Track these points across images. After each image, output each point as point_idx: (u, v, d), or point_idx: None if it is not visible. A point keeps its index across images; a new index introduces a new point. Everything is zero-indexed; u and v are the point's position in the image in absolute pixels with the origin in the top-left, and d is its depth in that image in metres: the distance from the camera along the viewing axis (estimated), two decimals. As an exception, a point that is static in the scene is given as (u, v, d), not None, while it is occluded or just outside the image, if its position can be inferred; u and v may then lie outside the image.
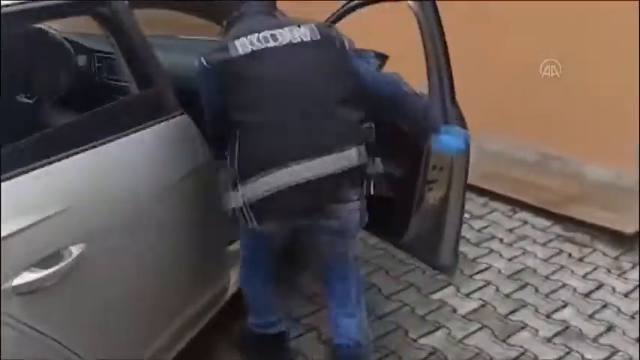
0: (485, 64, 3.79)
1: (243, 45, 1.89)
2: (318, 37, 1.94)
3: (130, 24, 2.03)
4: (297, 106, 1.88)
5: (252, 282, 2.28)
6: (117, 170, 1.83)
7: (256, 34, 1.90)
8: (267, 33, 1.91)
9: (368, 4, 2.45)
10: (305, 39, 1.93)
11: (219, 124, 2.01)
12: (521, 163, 3.96)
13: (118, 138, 1.86)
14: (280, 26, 1.95)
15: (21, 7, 1.71)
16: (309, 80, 1.92)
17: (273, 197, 1.85)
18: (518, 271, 3.13)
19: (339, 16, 2.54)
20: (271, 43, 1.90)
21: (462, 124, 2.27)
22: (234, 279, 2.39)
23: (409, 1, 2.13)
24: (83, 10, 1.94)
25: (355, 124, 1.95)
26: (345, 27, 2.22)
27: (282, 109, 1.89)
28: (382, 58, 2.63)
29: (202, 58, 1.92)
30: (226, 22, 2.09)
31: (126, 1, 2.02)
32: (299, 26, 1.95)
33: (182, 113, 2.12)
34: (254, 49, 1.88)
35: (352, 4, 2.50)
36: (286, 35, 1.92)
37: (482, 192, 3.84)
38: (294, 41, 1.91)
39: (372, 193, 2.01)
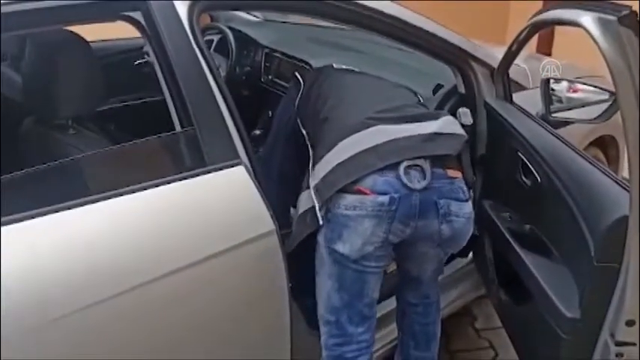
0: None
1: None
2: None
3: (174, 35, 1.45)
4: None
5: None
6: (108, 241, 1.28)
7: None
8: None
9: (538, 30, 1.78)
10: None
11: None
12: None
13: (122, 194, 1.31)
14: None
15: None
16: None
17: (368, 151, 1.46)
18: None
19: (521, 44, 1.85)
20: None
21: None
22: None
23: (583, 21, 1.20)
24: (100, 13, 1.41)
25: None
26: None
27: None
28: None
29: None
30: None
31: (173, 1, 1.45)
32: None
33: (236, 164, 1.49)
34: None
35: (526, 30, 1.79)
36: None
37: None
38: None
39: None
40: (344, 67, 1.90)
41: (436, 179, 1.46)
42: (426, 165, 1.45)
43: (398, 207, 1.43)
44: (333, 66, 1.90)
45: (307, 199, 1.54)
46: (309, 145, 1.67)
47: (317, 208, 1.49)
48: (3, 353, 1.11)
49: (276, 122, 1.94)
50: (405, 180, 1.43)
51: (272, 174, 1.79)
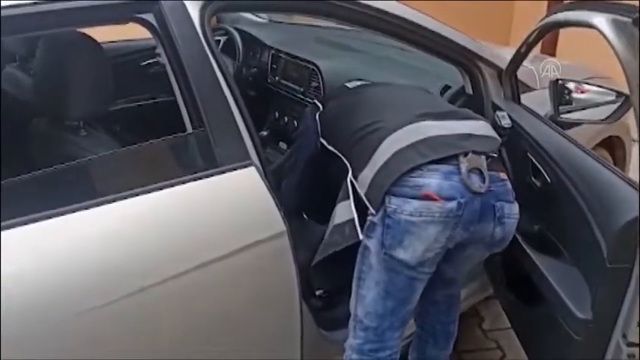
0: None
1: None
2: None
3: (186, 36, 1.45)
4: None
5: None
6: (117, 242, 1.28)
7: None
8: None
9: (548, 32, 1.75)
10: None
11: None
12: None
13: (133, 195, 1.31)
14: None
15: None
16: None
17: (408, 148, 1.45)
18: None
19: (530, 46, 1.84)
20: None
21: None
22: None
23: (597, 23, 1.20)
24: (112, 16, 1.41)
25: None
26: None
27: None
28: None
29: None
30: None
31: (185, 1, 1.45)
32: None
33: (247, 165, 1.49)
34: None
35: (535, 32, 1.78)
36: None
37: None
38: None
39: None
40: (357, 83, 1.90)
41: (493, 182, 1.44)
42: (484, 168, 1.43)
43: (463, 212, 1.40)
44: (347, 86, 1.90)
45: (346, 210, 1.50)
46: (345, 159, 1.60)
47: (356, 221, 1.45)
48: (4, 353, 1.11)
49: (296, 153, 1.88)
50: (468, 183, 1.40)
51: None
